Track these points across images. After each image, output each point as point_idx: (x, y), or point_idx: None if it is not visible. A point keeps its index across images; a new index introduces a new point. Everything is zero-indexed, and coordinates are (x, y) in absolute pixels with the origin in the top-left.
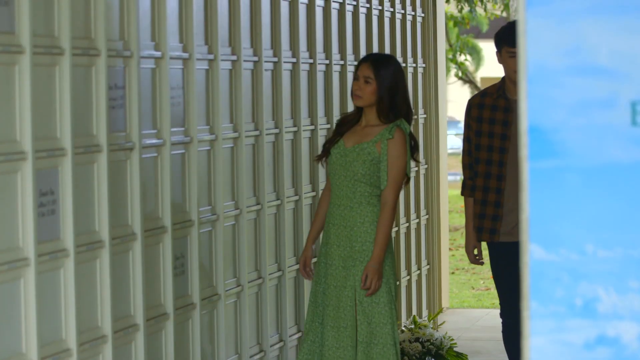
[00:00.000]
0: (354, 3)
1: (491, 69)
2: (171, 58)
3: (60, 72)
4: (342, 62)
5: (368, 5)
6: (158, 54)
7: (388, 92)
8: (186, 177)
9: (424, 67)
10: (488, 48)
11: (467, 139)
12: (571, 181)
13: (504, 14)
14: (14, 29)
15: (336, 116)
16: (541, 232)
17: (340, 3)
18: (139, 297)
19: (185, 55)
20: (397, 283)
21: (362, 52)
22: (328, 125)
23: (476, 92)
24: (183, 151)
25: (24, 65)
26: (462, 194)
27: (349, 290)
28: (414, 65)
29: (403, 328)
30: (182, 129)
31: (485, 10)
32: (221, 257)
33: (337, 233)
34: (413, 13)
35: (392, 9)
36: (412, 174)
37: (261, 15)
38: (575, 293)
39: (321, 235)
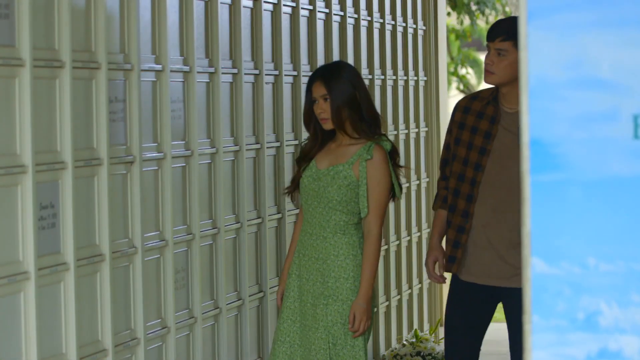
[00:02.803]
0: (355, 16)
1: None
2: (172, 71)
3: (60, 85)
4: None
5: (369, 18)
6: (159, 67)
7: (350, 105)
8: (187, 191)
9: (425, 81)
10: None
11: (446, 147)
12: (573, 194)
13: None
14: (15, 42)
15: None
16: (543, 245)
17: (341, 16)
18: (139, 310)
19: (186, 68)
20: (375, 309)
21: (364, 65)
22: None
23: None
24: (184, 164)
25: (24, 78)
26: (433, 207)
27: (322, 331)
28: (415, 78)
29: (404, 342)
30: (183, 142)
31: (486, 22)
32: (222, 270)
33: (308, 266)
34: (414, 26)
35: (393, 22)
36: (405, 189)
37: (262, 28)
38: (577, 307)
39: None
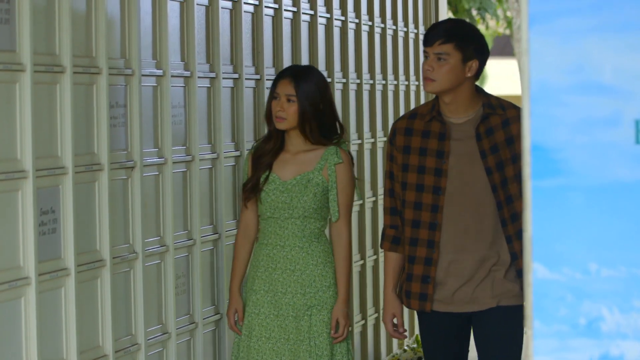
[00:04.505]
0: (357, 21)
1: (495, 86)
2: (173, 76)
3: (61, 90)
4: (344, 80)
5: (370, 23)
6: (159, 72)
7: (314, 110)
8: (188, 196)
9: None
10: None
11: (389, 176)
12: (574, 200)
13: (507, 32)
14: (15, 47)
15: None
16: (544, 251)
17: (342, 21)
18: (140, 316)
19: (187, 73)
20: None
21: (365, 70)
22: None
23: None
24: (185, 170)
25: (24, 83)
26: (382, 246)
27: (307, 343)
28: (417, 83)
29: (405, 347)
30: (184, 147)
31: (487, 28)
32: (223, 276)
33: (282, 279)
34: (415, 31)
35: (394, 27)
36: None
37: (263, 33)
38: (579, 312)
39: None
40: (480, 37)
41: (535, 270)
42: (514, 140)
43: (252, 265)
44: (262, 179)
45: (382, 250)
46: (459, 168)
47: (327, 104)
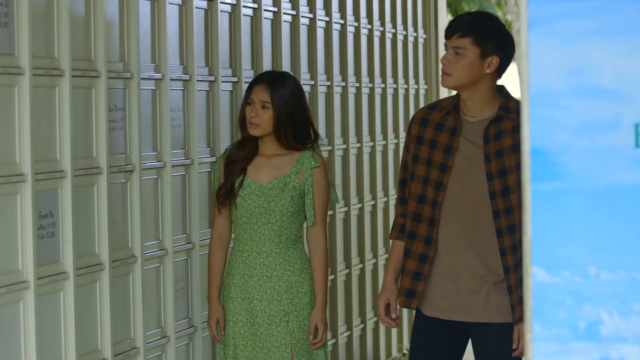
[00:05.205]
0: (356, 24)
1: None
2: (172, 79)
3: (60, 93)
4: (343, 84)
5: (370, 27)
6: (158, 75)
7: (289, 116)
8: (187, 200)
9: (425, 89)
10: None
11: (404, 165)
12: (574, 203)
13: None
14: (14, 50)
15: (338, 137)
16: (544, 254)
17: (341, 24)
18: (139, 320)
19: (186, 76)
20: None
21: (364, 74)
22: (330, 147)
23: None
24: (184, 173)
25: (23, 86)
26: (391, 236)
27: (283, 350)
28: (416, 87)
29: (405, 351)
30: (183, 150)
31: None
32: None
33: (258, 286)
34: (415, 34)
35: (393, 30)
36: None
37: (262, 37)
38: (579, 316)
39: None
40: (503, 33)
41: (535, 274)
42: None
43: (228, 272)
44: (236, 184)
45: (390, 239)
46: (462, 167)
47: (302, 110)
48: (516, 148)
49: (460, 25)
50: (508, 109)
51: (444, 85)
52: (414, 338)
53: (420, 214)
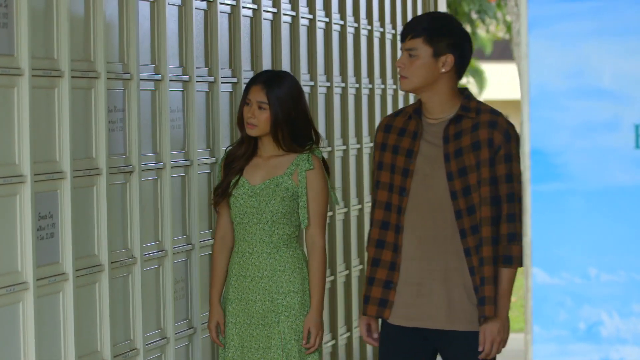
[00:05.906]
0: (355, 25)
1: (495, 91)
2: (171, 80)
3: (59, 94)
4: (342, 85)
5: (369, 27)
6: (158, 76)
7: (286, 117)
8: (186, 201)
9: None
10: (491, 70)
11: (373, 173)
12: (574, 204)
13: (507, 36)
14: (13, 51)
15: (337, 138)
16: (544, 255)
17: (341, 25)
18: (138, 321)
19: (186, 77)
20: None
21: (364, 75)
22: (329, 148)
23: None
24: (183, 174)
25: (23, 87)
26: (367, 249)
27: (275, 350)
28: None
29: None
30: (182, 152)
31: (487, 31)
32: None
33: (251, 287)
34: None
35: (393, 31)
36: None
37: (262, 38)
38: (579, 317)
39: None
40: (457, 31)
41: (535, 275)
42: (480, 146)
43: (228, 273)
44: (231, 184)
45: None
46: (423, 170)
47: (300, 111)
48: (475, 146)
49: (412, 27)
50: (467, 108)
51: (402, 89)
52: (381, 348)
53: (388, 222)
